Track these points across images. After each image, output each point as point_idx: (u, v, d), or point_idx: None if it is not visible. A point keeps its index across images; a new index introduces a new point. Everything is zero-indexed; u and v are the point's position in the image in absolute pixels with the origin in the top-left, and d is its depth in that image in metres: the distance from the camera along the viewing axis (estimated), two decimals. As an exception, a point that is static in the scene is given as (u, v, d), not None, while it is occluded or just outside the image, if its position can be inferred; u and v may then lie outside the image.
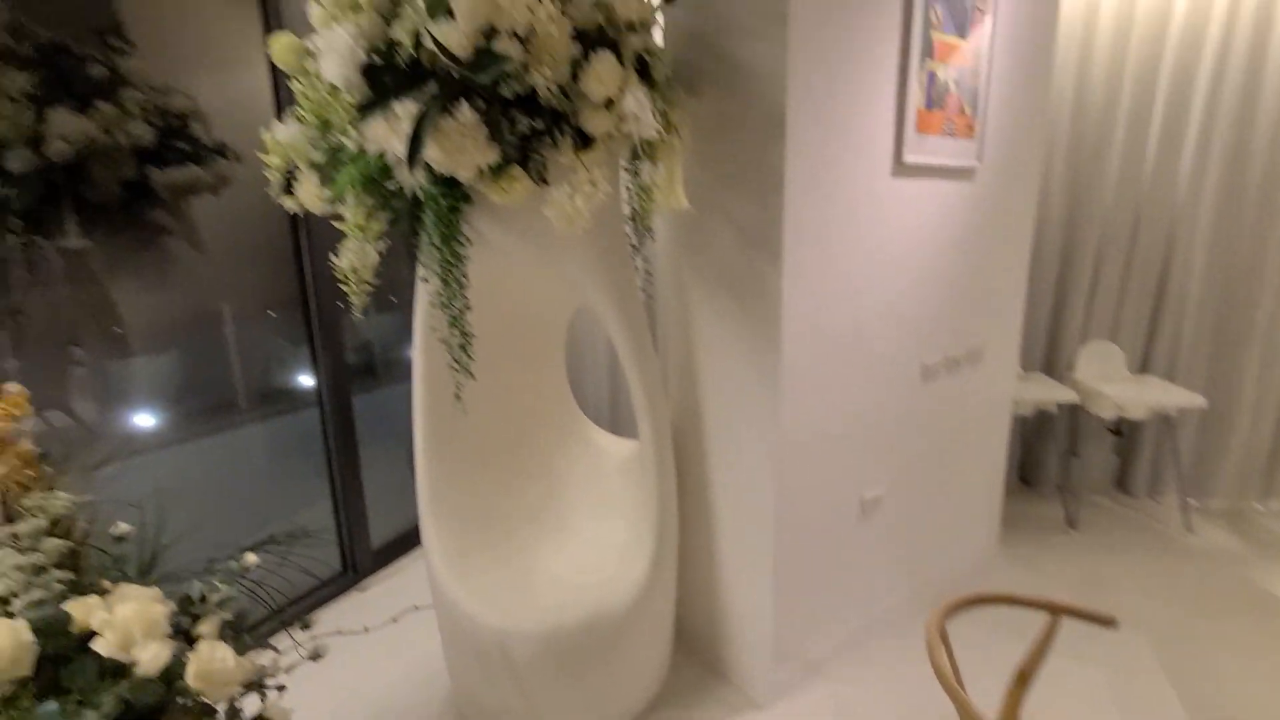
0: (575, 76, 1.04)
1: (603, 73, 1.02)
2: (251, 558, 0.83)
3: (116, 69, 1.66)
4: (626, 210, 1.34)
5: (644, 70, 1.10)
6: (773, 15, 1.29)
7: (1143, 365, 2.74)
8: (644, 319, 1.44)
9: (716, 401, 1.59)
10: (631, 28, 1.07)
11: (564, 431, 1.72)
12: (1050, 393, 2.49)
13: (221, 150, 1.87)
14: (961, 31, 1.63)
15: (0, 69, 1.47)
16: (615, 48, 1.05)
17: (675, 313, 1.67)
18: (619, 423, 2.55)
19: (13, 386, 0.93)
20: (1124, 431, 2.79)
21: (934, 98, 1.60)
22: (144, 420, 2.01)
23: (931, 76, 1.57)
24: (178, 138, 1.78)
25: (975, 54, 1.69)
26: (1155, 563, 2.32)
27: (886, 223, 1.59)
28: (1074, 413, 2.78)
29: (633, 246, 1.36)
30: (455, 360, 1.15)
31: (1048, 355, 2.83)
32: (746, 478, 1.56)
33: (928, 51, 1.55)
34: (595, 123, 1.08)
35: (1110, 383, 2.62)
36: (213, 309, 2.14)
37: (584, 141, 1.11)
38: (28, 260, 1.60)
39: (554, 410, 1.71)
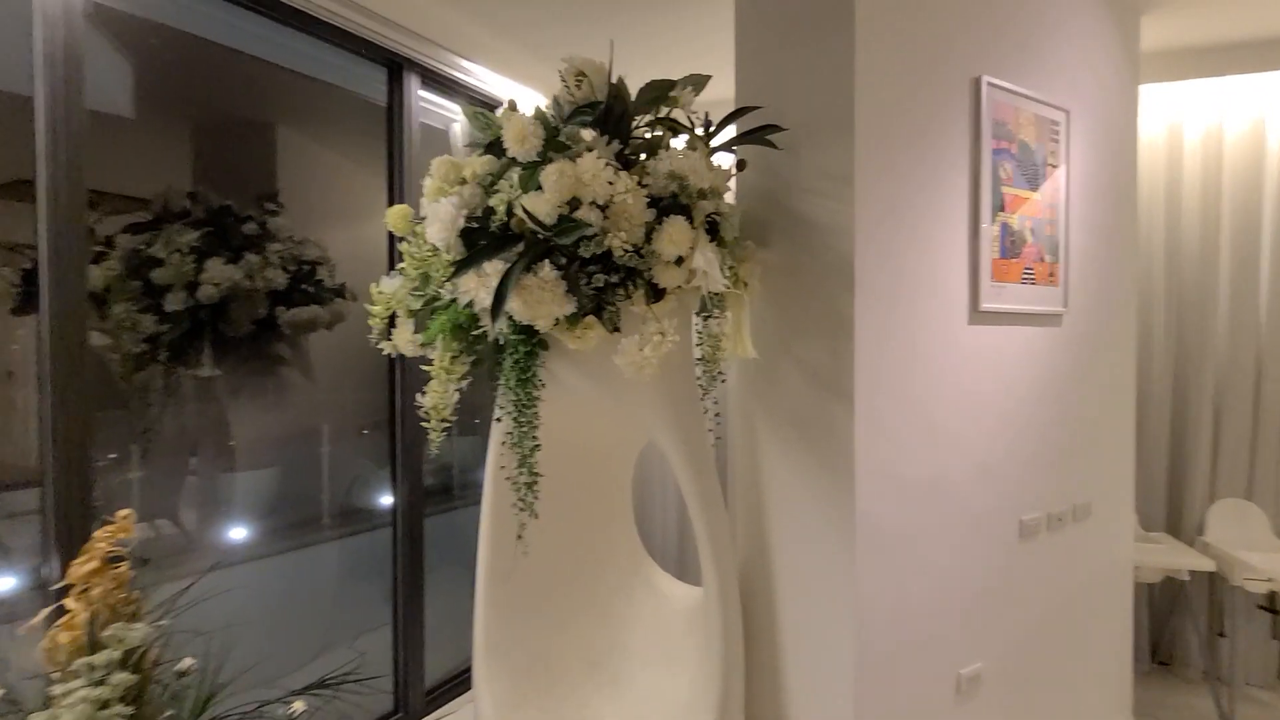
0: (649, 237, 1.12)
1: (674, 234, 1.10)
2: (299, 705, 0.83)
3: (266, 225, 1.96)
4: (698, 354, 1.38)
5: (714, 230, 1.18)
6: (838, 176, 1.36)
7: (1292, 530, 2.39)
8: (711, 463, 1.43)
9: (788, 553, 1.51)
10: (703, 195, 1.16)
11: (628, 573, 1.67)
12: (1178, 558, 2.20)
13: (341, 291, 2.11)
14: (1033, 184, 1.65)
15: (177, 229, 1.76)
16: (687, 211, 1.14)
17: (745, 457, 1.64)
18: (686, 567, 2.45)
19: (123, 511, 1.02)
20: (1279, 610, 2.38)
21: (1009, 247, 1.60)
22: (237, 533, 2.13)
23: (1005, 227, 1.59)
24: (306, 281, 2.03)
25: (1050, 205, 1.70)
26: (1347, 785, 1.88)
27: (969, 369, 1.54)
28: (1213, 584, 2.42)
29: (702, 389, 1.38)
30: (521, 500, 1.17)
31: (1171, 515, 2.53)
32: (821, 639, 1.43)
33: (999, 205, 1.57)
34: (666, 277, 1.15)
35: (1253, 549, 2.28)
36: (313, 427, 2.31)
37: (656, 294, 1.18)
38: (167, 387, 1.82)
39: (619, 551, 1.67)
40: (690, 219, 1.13)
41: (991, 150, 1.55)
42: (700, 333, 1.30)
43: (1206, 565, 2.16)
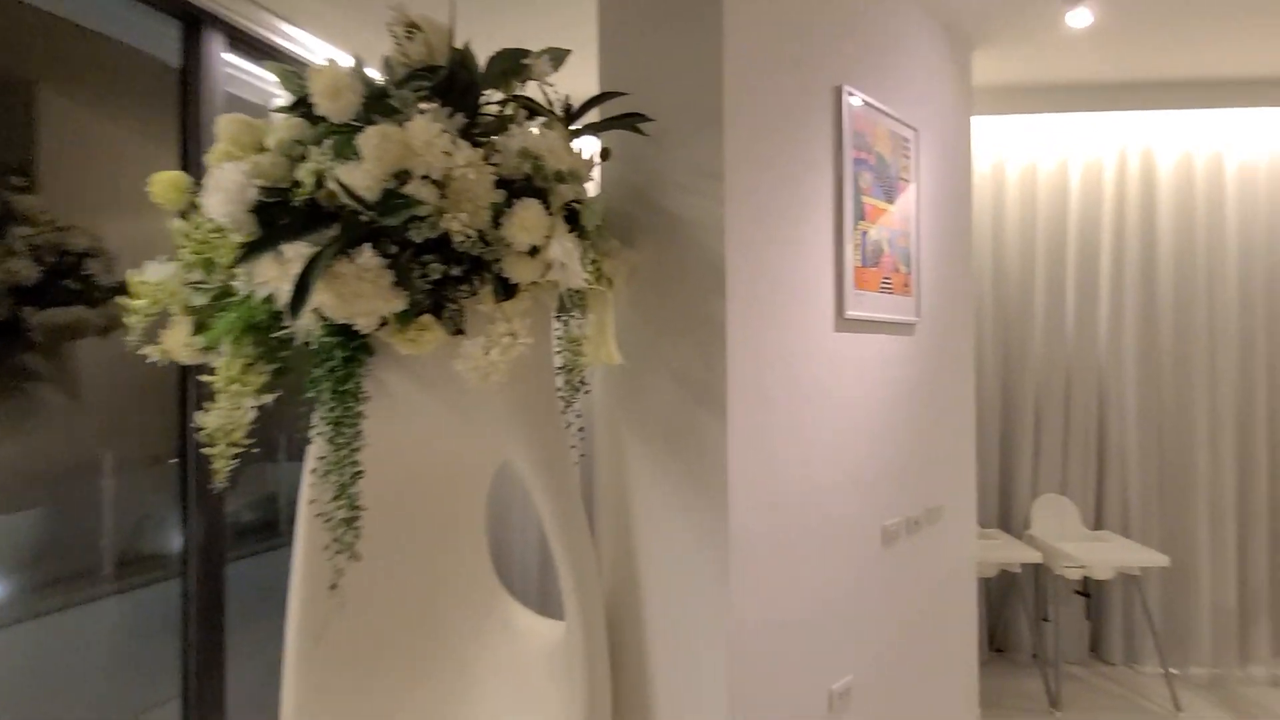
0: (497, 222, 0.96)
1: (527, 219, 0.94)
2: None
3: (10, 205, 1.54)
4: (559, 361, 1.23)
5: (573, 219, 1.04)
6: (708, 172, 1.28)
7: (1097, 521, 2.68)
8: (573, 482, 1.27)
9: (658, 575, 1.39)
10: (561, 178, 1.02)
11: (481, 615, 1.46)
12: (1013, 552, 2.37)
13: (122, 289, 1.72)
14: (889, 197, 1.69)
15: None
16: (543, 195, 0.99)
17: (611, 474, 1.51)
18: (549, 599, 2.27)
19: None
20: (1091, 593, 2.65)
21: (869, 256, 1.61)
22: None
23: (865, 236, 1.60)
24: (69, 276, 1.62)
25: (903, 218, 1.75)
26: (1150, 750, 2.09)
27: (835, 378, 1.53)
28: (1039, 574, 2.65)
29: (563, 400, 1.23)
30: (337, 540, 0.95)
31: (1002, 512, 2.75)
32: (693, 666, 1.32)
33: (860, 214, 1.58)
34: (519, 270, 0.99)
35: (1069, 540, 2.52)
36: (89, 458, 1.86)
37: (506, 290, 1.01)
38: None
39: (470, 589, 1.47)
40: (547, 204, 0.98)
41: (853, 159, 1.55)
42: (561, 337, 1.15)
43: (1035, 557, 2.34)
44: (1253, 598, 2.56)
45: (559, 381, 1.22)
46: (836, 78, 1.53)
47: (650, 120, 1.26)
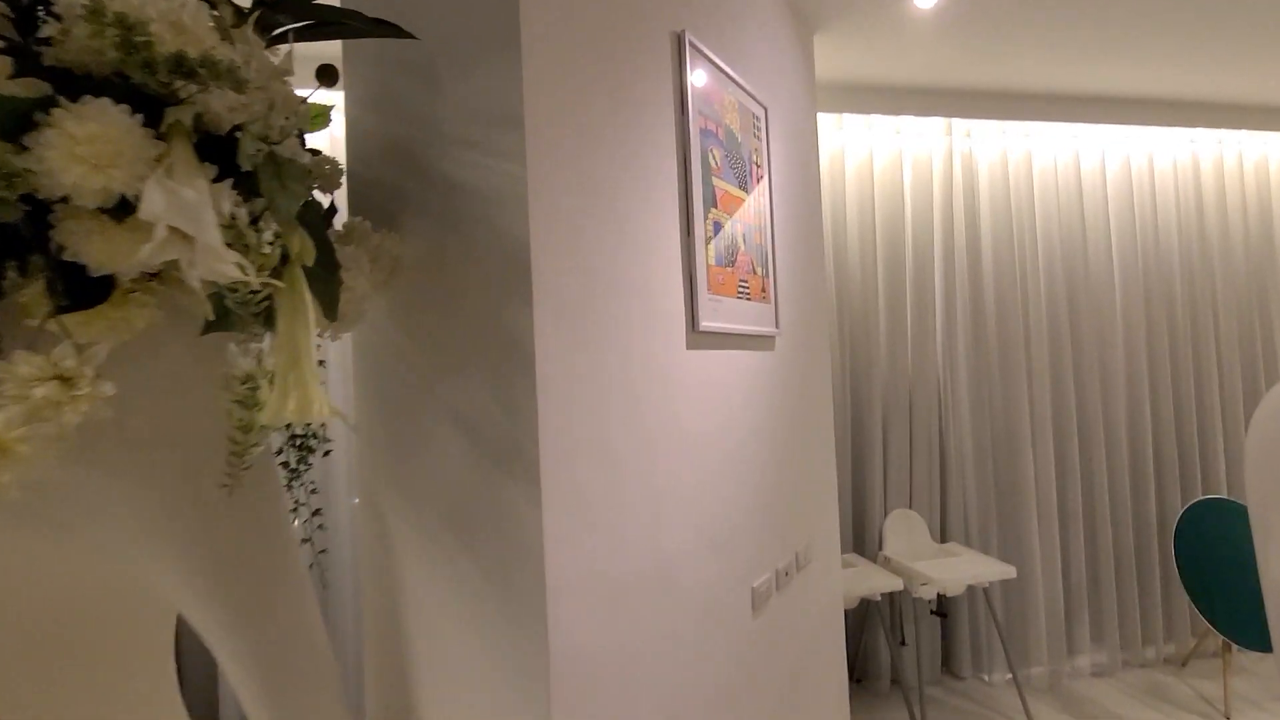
0: (21, 142, 0.46)
1: (84, 135, 0.45)
2: None
3: None
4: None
5: (225, 154, 0.56)
6: (501, 118, 0.86)
7: (943, 533, 2.62)
8: (298, 617, 0.77)
9: (446, 715, 0.92)
10: (194, 73, 0.53)
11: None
12: (875, 581, 2.20)
13: None
14: (743, 184, 1.39)
15: None
16: (144, 99, 0.50)
17: (375, 575, 1.01)
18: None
19: None
20: (947, 613, 2.58)
21: (725, 253, 1.29)
22: None
23: (719, 228, 1.27)
24: None
25: (758, 210, 1.46)
26: (1017, 779, 1.98)
27: (690, 410, 1.17)
28: (894, 597, 2.52)
29: (227, 481, 0.72)
30: None
31: (856, 533, 2.61)
32: None
33: (711, 199, 1.25)
34: (95, 245, 0.49)
35: (921, 558, 2.42)
36: None
37: (85, 288, 0.51)
38: None
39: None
40: (150, 113, 0.50)
41: (700, 129, 1.22)
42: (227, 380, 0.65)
43: (896, 585, 2.19)
44: (1075, 595, 2.64)
45: (251, 451, 0.71)
46: (676, 20, 1.19)
47: (412, 38, 0.81)
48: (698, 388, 1.20)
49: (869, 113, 2.46)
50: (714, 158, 1.27)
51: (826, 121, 2.45)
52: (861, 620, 2.57)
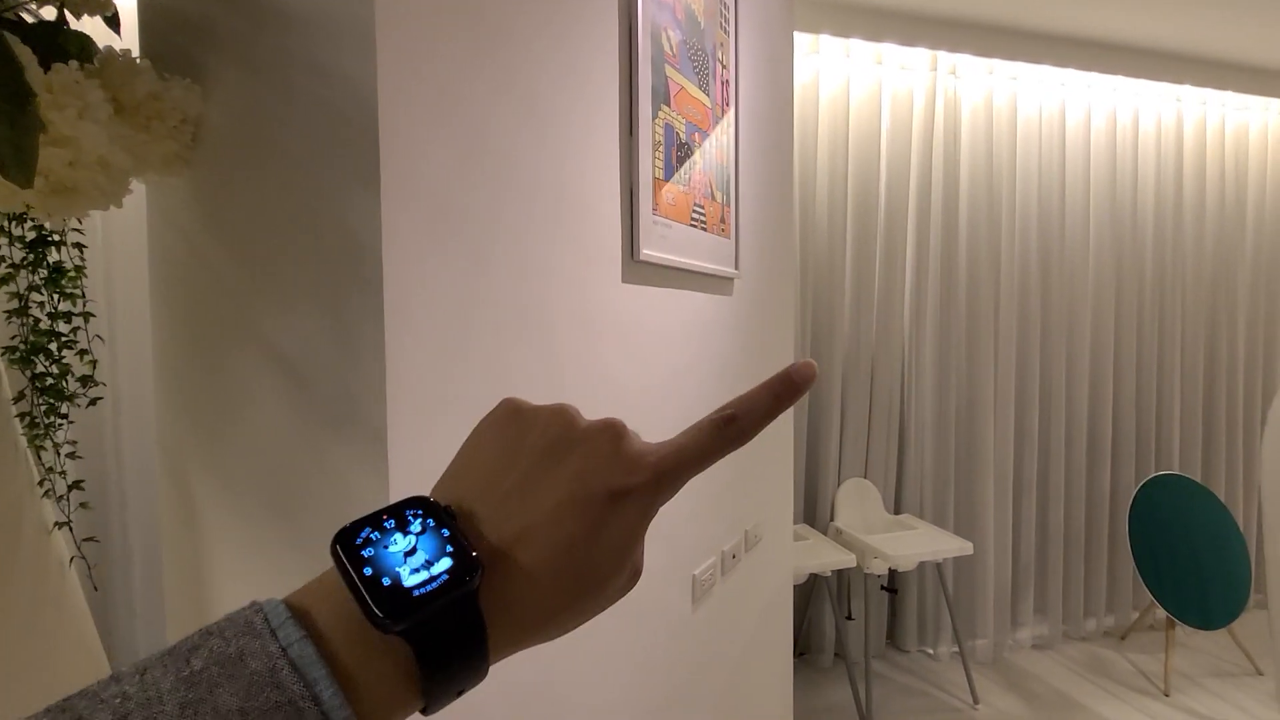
0: None
1: None
2: None
3: None
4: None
5: None
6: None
7: (897, 503, 2.49)
8: (36, 624, 0.50)
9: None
10: None
11: None
12: (826, 557, 2.04)
13: None
14: (703, 83, 1.11)
15: None
16: None
17: (181, 564, 0.74)
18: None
19: None
20: (898, 589, 2.47)
21: (676, 165, 1.02)
22: None
23: (671, 133, 1.00)
24: None
25: (720, 122, 1.19)
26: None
27: (624, 360, 0.91)
28: (842, 571, 2.39)
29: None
30: None
31: (808, 503, 2.45)
32: None
33: (663, 94, 0.97)
34: None
35: (874, 530, 2.28)
36: None
37: None
38: None
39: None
40: None
41: (651, -3, 0.93)
42: None
43: (848, 561, 2.03)
44: (1023, 568, 2.57)
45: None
46: None
47: None
48: (636, 332, 0.95)
49: (848, 36, 2.18)
50: (669, 40, 0.99)
51: (801, 42, 2.17)
52: (808, 593, 2.44)
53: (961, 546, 2.11)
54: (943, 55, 2.30)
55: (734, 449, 0.28)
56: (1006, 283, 2.48)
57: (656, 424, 0.99)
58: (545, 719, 0.76)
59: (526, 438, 0.28)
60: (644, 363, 0.97)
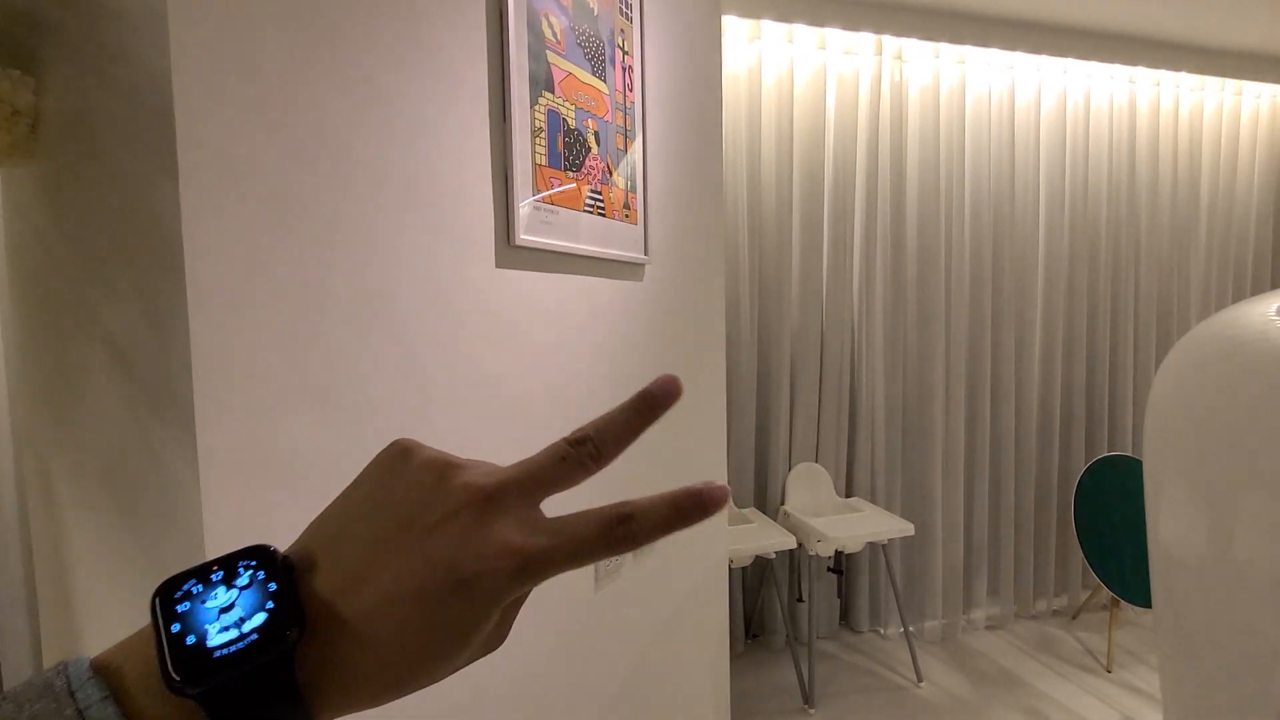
0: None
1: None
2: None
3: None
4: None
5: None
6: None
7: (847, 487, 2.52)
8: None
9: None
10: None
11: None
12: (770, 540, 2.06)
13: None
14: (598, 69, 1.12)
15: None
16: None
17: (49, 569, 0.76)
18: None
19: None
20: (844, 570, 2.50)
21: (565, 152, 1.03)
22: None
23: (555, 119, 1.00)
24: None
25: (622, 108, 1.20)
26: (898, 739, 1.92)
27: (501, 350, 0.93)
28: (792, 553, 2.42)
29: None
30: None
31: (758, 487, 2.47)
32: None
33: (544, 80, 0.98)
34: None
35: (823, 513, 2.31)
36: None
37: None
38: None
39: None
40: None
41: (526, -18, 0.94)
42: None
43: (791, 543, 2.06)
44: (976, 550, 2.60)
45: None
46: None
47: None
48: (518, 320, 0.96)
49: (790, 20, 2.18)
50: (551, 27, 0.99)
51: (740, 28, 2.17)
52: (761, 577, 2.47)
53: (903, 528, 2.13)
54: (888, 39, 2.29)
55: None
56: (957, 267, 2.49)
57: (548, 412, 1.01)
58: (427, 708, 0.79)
59: (395, 490, 0.26)
60: (531, 349, 0.98)
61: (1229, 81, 2.79)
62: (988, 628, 2.62)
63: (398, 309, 0.77)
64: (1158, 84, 2.69)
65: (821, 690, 2.17)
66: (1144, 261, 2.73)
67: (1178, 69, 2.68)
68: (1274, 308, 1.10)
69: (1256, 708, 0.97)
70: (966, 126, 2.46)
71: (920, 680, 2.22)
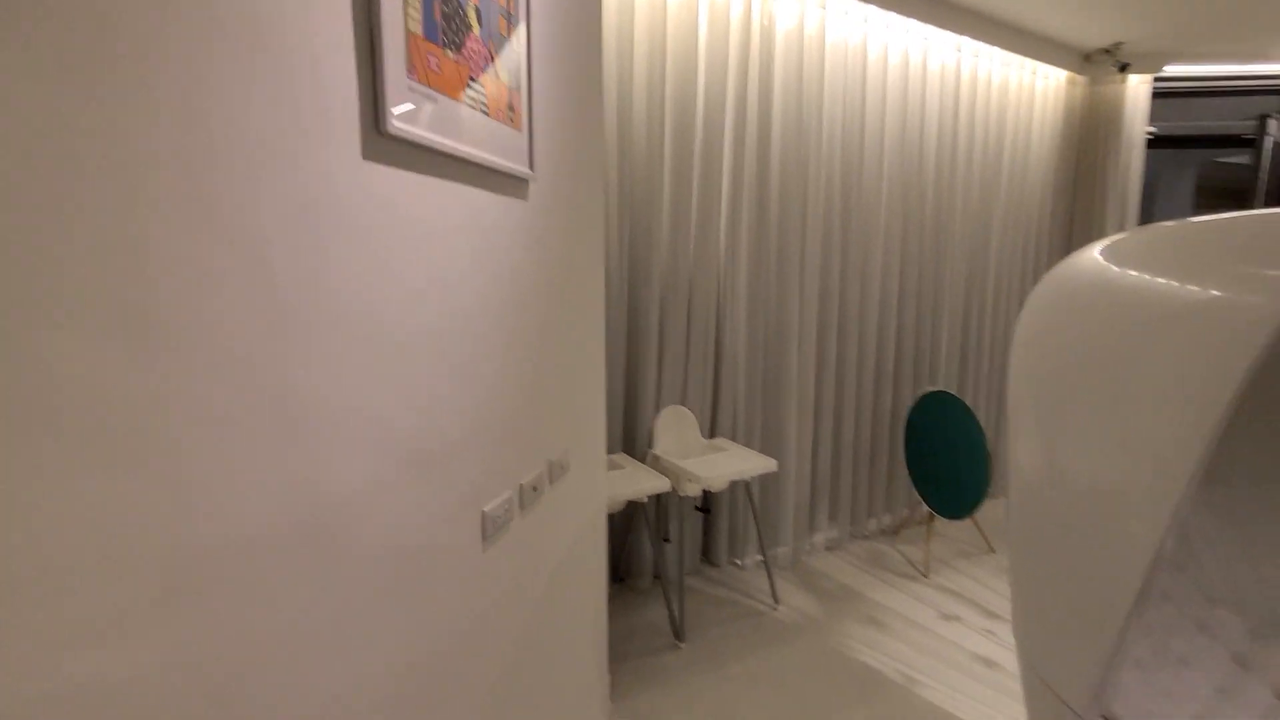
0: None
1: None
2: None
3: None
4: None
5: None
6: None
7: (712, 428, 2.57)
8: None
9: None
10: None
11: None
12: (643, 484, 2.03)
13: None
14: (479, -70, 0.91)
15: None
16: None
17: None
18: None
19: None
20: (711, 509, 2.57)
21: (444, 25, 0.83)
22: None
23: (431, -21, 0.80)
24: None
25: (507, -13, 1.00)
26: (762, 661, 2.03)
27: (367, 265, 0.73)
28: (660, 495, 2.43)
29: None
30: None
31: (627, 431, 2.43)
32: None
33: (417, -76, 0.77)
34: None
35: (690, 455, 2.34)
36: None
37: None
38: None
39: None
40: None
41: None
42: None
43: (664, 486, 2.05)
44: (820, 483, 2.81)
45: None
46: None
47: None
48: (393, 234, 0.77)
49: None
50: None
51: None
52: (628, 521, 2.46)
53: (766, 464, 2.22)
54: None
55: None
56: (813, 212, 2.58)
57: (421, 341, 0.83)
58: (305, 679, 0.61)
59: None
60: (411, 279, 0.80)
61: (1027, 61, 3.15)
62: (827, 549, 2.87)
63: (238, 205, 0.56)
64: (976, 55, 2.95)
65: (690, 624, 2.23)
66: (959, 216, 3.05)
67: (993, 43, 2.96)
68: (1098, 249, 1.23)
69: (1083, 604, 1.10)
70: (826, 74, 2.52)
71: (777, 603, 2.37)
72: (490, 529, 1.04)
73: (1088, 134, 3.46)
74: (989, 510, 3.27)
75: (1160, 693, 1.35)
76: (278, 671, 0.62)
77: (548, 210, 1.22)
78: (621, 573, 2.51)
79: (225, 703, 0.57)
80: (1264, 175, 3.50)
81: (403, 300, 0.79)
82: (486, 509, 1.03)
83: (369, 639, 0.75)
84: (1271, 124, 3.52)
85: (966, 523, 3.12)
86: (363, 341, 0.73)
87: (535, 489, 1.22)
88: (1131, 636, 1.37)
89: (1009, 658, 2.08)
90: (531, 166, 1.11)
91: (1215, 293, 0.92)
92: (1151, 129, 3.45)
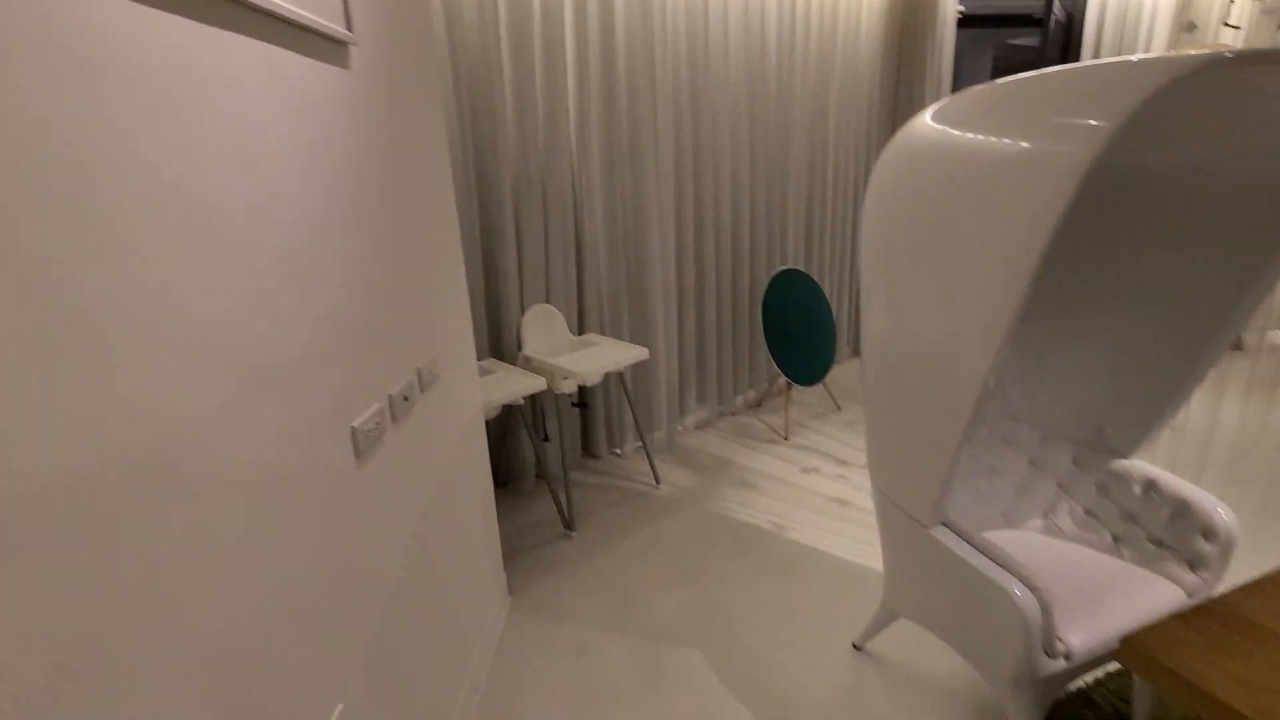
0: None
1: None
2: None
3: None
4: None
5: None
6: None
7: (580, 325, 2.55)
8: None
9: None
10: None
11: None
12: (517, 385, 1.99)
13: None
14: None
15: None
16: None
17: None
18: None
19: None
20: (588, 403, 2.59)
21: None
22: None
23: None
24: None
25: None
26: (649, 535, 2.16)
27: (185, 135, 0.59)
28: (534, 396, 2.41)
29: None
30: None
31: (492, 336, 2.35)
32: None
33: None
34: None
35: (561, 353, 2.32)
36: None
37: None
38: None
39: None
40: None
41: None
42: None
43: (539, 386, 2.02)
44: (688, 366, 2.93)
45: None
46: None
47: None
48: (191, 95, 0.62)
49: None
50: None
51: None
52: (504, 425, 2.43)
53: (638, 354, 2.26)
54: None
55: None
56: (663, 99, 2.51)
57: (250, 254, 0.71)
58: (165, 633, 0.53)
59: None
60: (220, 151, 0.65)
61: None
62: (698, 428, 3.05)
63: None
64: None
65: (578, 513, 2.30)
66: (798, 97, 3.12)
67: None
68: (929, 114, 1.30)
69: (925, 436, 1.25)
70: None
71: (658, 483, 2.50)
72: (364, 444, 0.96)
73: (910, 13, 3.63)
74: (836, 374, 3.62)
75: (978, 497, 1.62)
76: (130, 629, 0.54)
77: (376, 84, 1.06)
78: (504, 477, 2.50)
79: (72, 674, 0.48)
80: (1050, 52, 3.90)
81: (217, 177, 0.66)
82: (355, 424, 0.95)
83: (238, 576, 0.68)
84: (1055, 4, 3.89)
85: (818, 388, 3.44)
86: (173, 228, 0.60)
87: (406, 399, 1.14)
88: (961, 457, 1.59)
89: (860, 496, 2.38)
90: (350, 27, 0.95)
91: (1027, 145, 1.01)
92: (961, 8, 3.67)
